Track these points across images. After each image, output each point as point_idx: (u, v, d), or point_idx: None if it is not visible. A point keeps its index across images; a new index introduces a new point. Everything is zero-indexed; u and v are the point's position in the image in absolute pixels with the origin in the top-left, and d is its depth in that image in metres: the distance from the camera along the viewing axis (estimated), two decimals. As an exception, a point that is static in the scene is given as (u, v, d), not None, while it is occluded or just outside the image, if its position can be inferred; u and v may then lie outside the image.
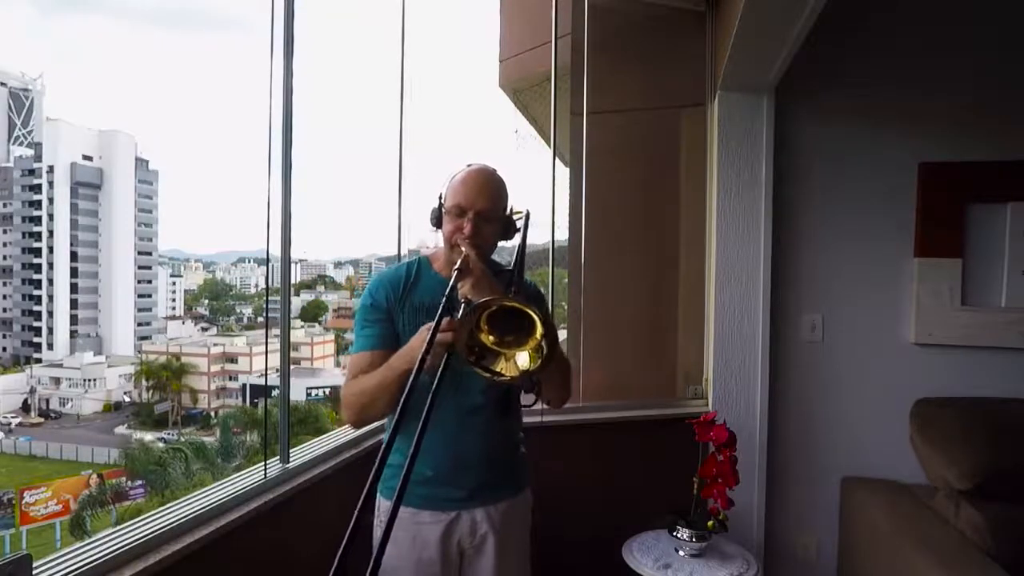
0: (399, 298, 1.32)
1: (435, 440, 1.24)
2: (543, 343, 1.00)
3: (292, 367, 1.77)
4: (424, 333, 1.07)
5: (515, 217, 1.34)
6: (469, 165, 1.32)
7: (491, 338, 1.02)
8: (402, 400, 0.93)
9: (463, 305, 1.08)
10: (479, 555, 1.33)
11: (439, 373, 0.99)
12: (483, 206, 1.26)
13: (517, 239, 1.34)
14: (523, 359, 1.01)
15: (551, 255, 2.38)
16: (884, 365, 2.25)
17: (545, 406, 1.41)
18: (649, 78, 2.53)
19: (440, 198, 1.31)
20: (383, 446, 0.87)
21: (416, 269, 1.37)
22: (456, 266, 1.16)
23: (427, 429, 0.89)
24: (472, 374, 1.03)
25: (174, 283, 48.93)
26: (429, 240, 1.35)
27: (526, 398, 1.37)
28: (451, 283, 1.13)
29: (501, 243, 1.34)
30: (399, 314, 1.31)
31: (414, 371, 0.96)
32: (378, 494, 1.33)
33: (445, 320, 1.04)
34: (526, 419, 1.48)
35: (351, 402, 1.27)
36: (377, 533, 1.24)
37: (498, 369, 1.02)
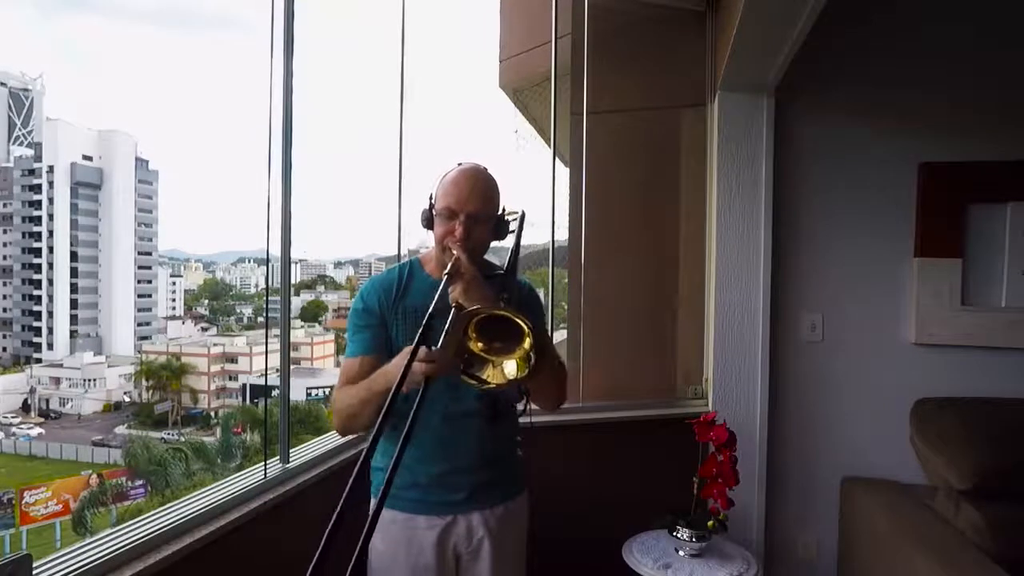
0: (391, 303, 1.30)
1: (428, 444, 1.25)
2: (531, 353, 0.99)
3: (292, 367, 1.77)
4: (404, 356, 1.05)
5: (509, 217, 1.31)
6: (460, 164, 1.29)
7: (480, 345, 1.01)
8: (380, 418, 0.92)
9: (453, 310, 1.07)
10: (475, 560, 1.32)
11: (421, 391, 0.98)
12: (474, 208, 1.23)
13: (511, 239, 1.32)
14: (511, 367, 1.00)
15: (551, 255, 2.38)
16: (884, 365, 2.25)
17: (535, 408, 1.39)
18: (649, 78, 2.53)
19: (430, 199, 1.29)
20: (364, 452, 0.85)
21: (408, 272, 1.35)
22: (447, 270, 1.14)
23: (409, 441, 0.88)
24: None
25: (174, 283, 48.84)
26: (429, 240, 1.34)
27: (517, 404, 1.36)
28: (441, 287, 1.12)
29: (496, 243, 1.32)
30: (392, 319, 1.29)
31: (390, 395, 0.95)
32: (372, 498, 1.33)
33: (422, 350, 1.02)
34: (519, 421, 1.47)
35: (337, 410, 1.27)
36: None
37: (486, 377, 1.01)
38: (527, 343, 0.99)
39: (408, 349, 1.03)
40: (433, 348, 1.03)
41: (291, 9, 1.63)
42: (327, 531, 0.73)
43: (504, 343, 1.00)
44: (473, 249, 1.22)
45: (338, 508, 0.76)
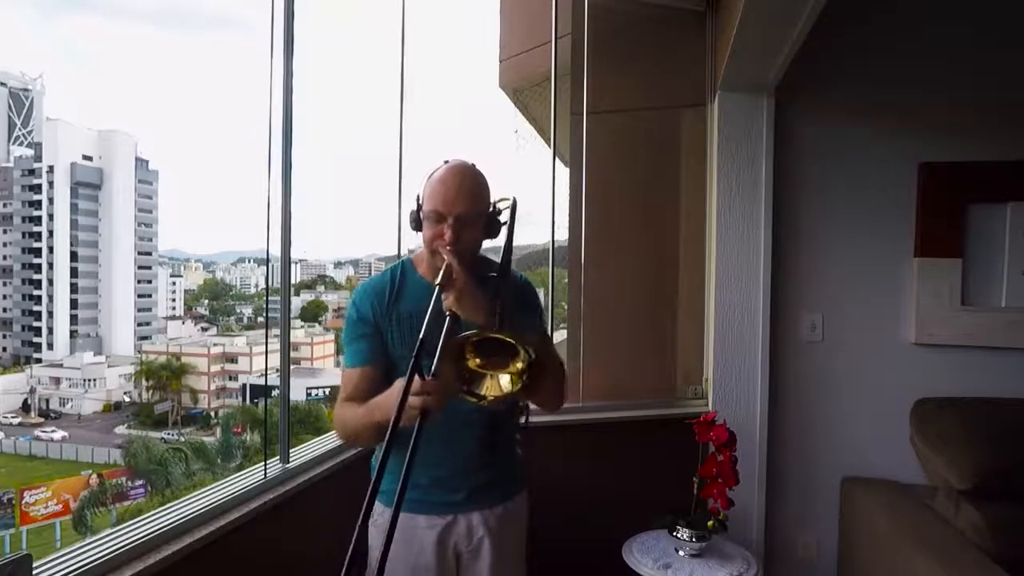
0: (385, 309, 1.27)
1: (429, 446, 1.23)
2: (525, 373, 1.00)
3: (292, 367, 1.77)
4: (400, 389, 1.01)
5: (501, 206, 1.25)
6: (446, 162, 1.24)
7: (476, 361, 1.01)
8: (384, 447, 0.93)
9: (448, 319, 1.06)
10: (476, 559, 1.32)
11: (419, 421, 0.98)
12: (462, 209, 1.18)
13: (504, 234, 1.26)
14: (506, 380, 1.01)
15: (551, 255, 2.38)
16: (884, 365, 2.25)
17: (535, 408, 1.39)
18: (649, 78, 2.53)
19: (418, 199, 1.23)
20: (379, 462, 0.87)
21: (400, 274, 1.31)
22: (438, 279, 1.10)
23: (415, 459, 0.89)
24: None
25: (174, 283, 48.80)
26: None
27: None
28: (435, 297, 1.09)
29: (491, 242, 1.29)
30: (387, 325, 1.27)
31: (389, 429, 0.94)
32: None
33: (416, 382, 0.98)
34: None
35: (339, 426, 1.27)
36: (372, 532, 1.24)
37: (483, 392, 1.01)
38: (520, 364, 1.00)
39: (401, 382, 1.00)
40: (427, 378, 1.00)
41: (291, 9, 1.63)
42: (350, 551, 0.73)
43: (501, 357, 1.01)
44: (464, 251, 1.18)
45: (357, 528, 0.76)
